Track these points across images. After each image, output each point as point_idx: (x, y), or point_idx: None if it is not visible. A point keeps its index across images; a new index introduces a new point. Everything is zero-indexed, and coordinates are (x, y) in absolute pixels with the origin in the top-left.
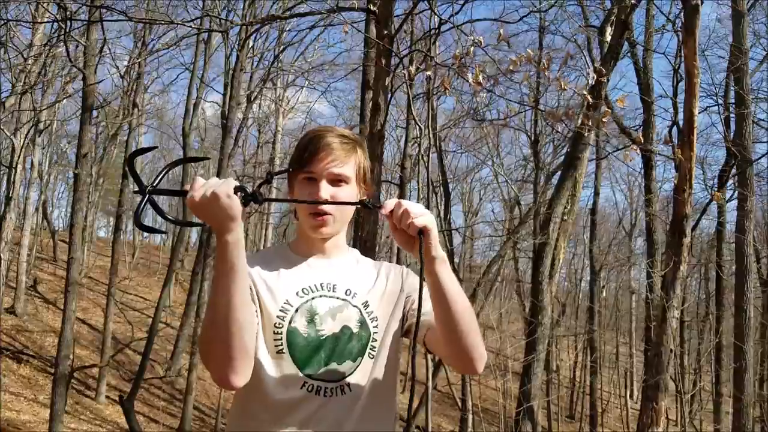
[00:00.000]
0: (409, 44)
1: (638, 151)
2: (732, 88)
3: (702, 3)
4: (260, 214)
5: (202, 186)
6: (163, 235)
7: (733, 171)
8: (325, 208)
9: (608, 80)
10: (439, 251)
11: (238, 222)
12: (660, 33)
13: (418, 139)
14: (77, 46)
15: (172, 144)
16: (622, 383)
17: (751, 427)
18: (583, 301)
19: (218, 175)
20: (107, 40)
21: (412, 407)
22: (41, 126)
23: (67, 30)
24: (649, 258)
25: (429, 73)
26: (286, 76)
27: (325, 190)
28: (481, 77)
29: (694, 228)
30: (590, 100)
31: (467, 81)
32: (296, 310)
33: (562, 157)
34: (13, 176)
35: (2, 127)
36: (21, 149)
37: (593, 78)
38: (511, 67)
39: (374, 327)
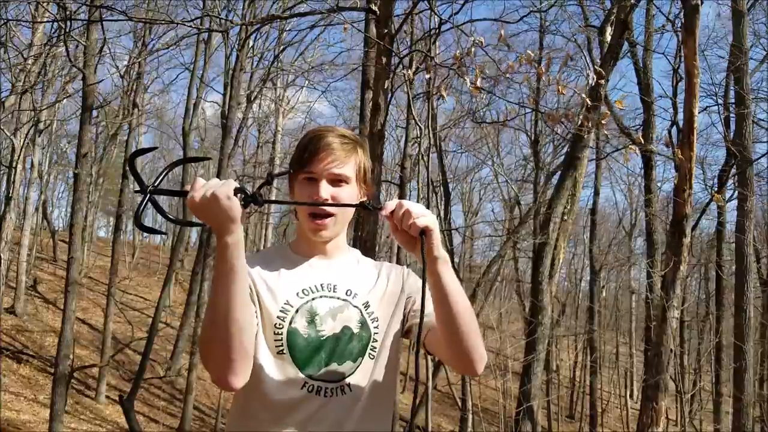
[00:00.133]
0: (409, 44)
1: (637, 152)
2: (732, 87)
3: (702, 3)
4: (260, 214)
5: (202, 187)
6: (163, 235)
7: (733, 171)
8: (326, 208)
9: (608, 80)
10: (441, 252)
11: (238, 223)
12: (660, 33)
13: (418, 139)
14: (77, 46)
15: (172, 144)
16: (622, 383)
17: (751, 427)
18: (583, 301)
19: (218, 174)
20: (107, 40)
21: (415, 408)
22: (41, 126)
23: (67, 30)
24: (649, 258)
25: (429, 76)
26: (286, 76)
27: (326, 190)
28: (479, 81)
29: (694, 228)
30: (589, 103)
31: (466, 82)
32: (297, 311)
33: (562, 157)
34: (13, 176)
35: (2, 127)
36: (21, 149)
37: (593, 80)
38: (508, 74)
39: (375, 327)
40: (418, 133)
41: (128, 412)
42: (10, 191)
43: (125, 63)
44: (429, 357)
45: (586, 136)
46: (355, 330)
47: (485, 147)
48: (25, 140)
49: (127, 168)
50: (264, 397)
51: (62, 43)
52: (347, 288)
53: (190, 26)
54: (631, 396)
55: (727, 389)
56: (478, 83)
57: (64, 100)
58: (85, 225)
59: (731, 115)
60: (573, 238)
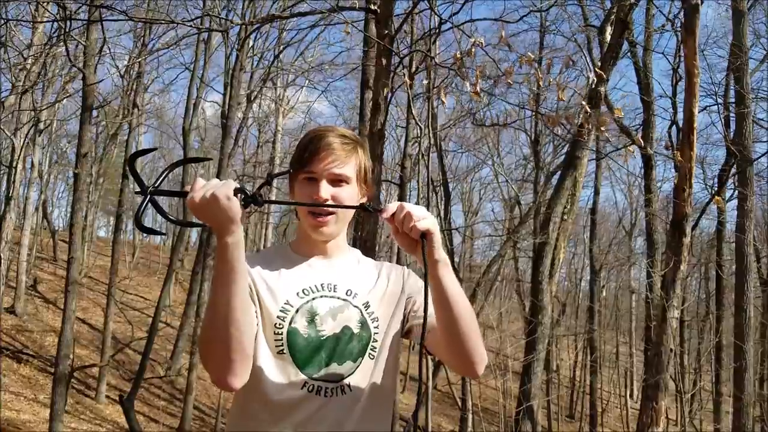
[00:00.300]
0: (409, 44)
1: (634, 154)
2: (732, 87)
3: (702, 2)
4: (260, 214)
5: (202, 187)
6: (163, 236)
7: (733, 170)
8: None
9: (608, 80)
10: (441, 254)
11: (238, 224)
12: (660, 32)
13: (418, 139)
14: (77, 46)
15: (172, 144)
16: (622, 383)
17: (751, 426)
18: (583, 300)
19: (218, 174)
20: (107, 40)
21: (419, 409)
22: (41, 126)
23: (67, 29)
24: (649, 258)
25: (428, 81)
26: (286, 76)
27: (326, 190)
28: (479, 87)
29: (694, 228)
30: (589, 110)
31: (466, 83)
32: (297, 311)
33: (562, 157)
34: (13, 176)
35: (2, 127)
36: (21, 149)
37: (593, 81)
38: (509, 81)
39: (375, 328)
40: (418, 132)
41: (128, 412)
42: (10, 191)
43: (125, 63)
44: (429, 357)
45: (585, 140)
46: (355, 330)
47: (485, 147)
48: (25, 140)
49: (128, 169)
50: (264, 397)
51: (62, 43)
52: (347, 288)
53: (190, 26)
54: (631, 396)
55: (727, 389)
56: (479, 87)
57: (64, 100)
58: (85, 225)
59: (731, 114)
60: (573, 238)
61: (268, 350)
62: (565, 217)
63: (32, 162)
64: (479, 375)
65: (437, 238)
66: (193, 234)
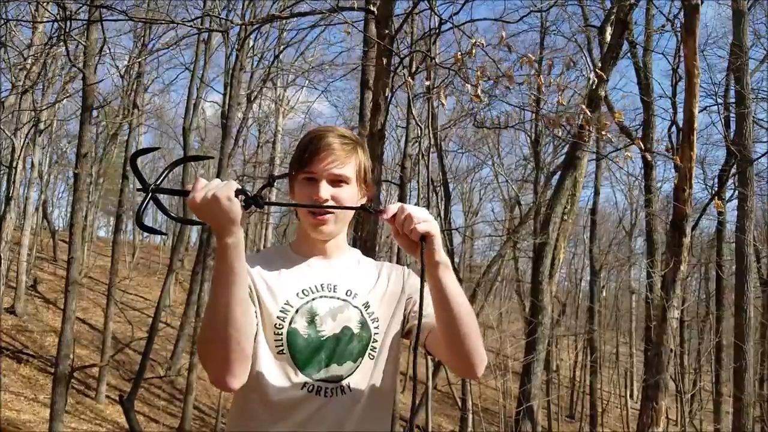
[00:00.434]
0: (409, 44)
1: (632, 158)
2: (732, 87)
3: (702, 2)
4: (260, 214)
5: (203, 187)
6: (164, 236)
7: (733, 170)
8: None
9: (608, 80)
10: (442, 256)
11: (239, 225)
12: (660, 33)
13: (418, 139)
14: (77, 46)
15: (172, 144)
16: (622, 383)
17: (751, 426)
18: (583, 300)
19: (218, 174)
20: (107, 40)
21: (414, 408)
22: (41, 126)
23: (67, 30)
24: (649, 258)
25: (428, 83)
26: (286, 76)
27: (326, 191)
28: (479, 90)
29: (694, 228)
30: (589, 114)
31: (467, 84)
32: (297, 311)
33: (562, 157)
34: (13, 176)
35: (2, 127)
36: (21, 149)
37: (593, 82)
38: (509, 85)
39: (375, 328)
40: (419, 132)
41: (128, 412)
42: (10, 191)
43: (125, 63)
44: (429, 357)
45: (585, 141)
46: (355, 330)
47: (485, 147)
48: (25, 140)
49: (129, 167)
50: (264, 397)
51: (62, 43)
52: (347, 288)
53: (190, 26)
54: (631, 396)
55: (727, 389)
56: (479, 90)
57: (64, 100)
58: (85, 225)
59: (731, 114)
60: (573, 238)
61: (268, 350)
62: (565, 217)
63: (32, 162)
64: (479, 376)
65: (438, 240)
66: (193, 234)
